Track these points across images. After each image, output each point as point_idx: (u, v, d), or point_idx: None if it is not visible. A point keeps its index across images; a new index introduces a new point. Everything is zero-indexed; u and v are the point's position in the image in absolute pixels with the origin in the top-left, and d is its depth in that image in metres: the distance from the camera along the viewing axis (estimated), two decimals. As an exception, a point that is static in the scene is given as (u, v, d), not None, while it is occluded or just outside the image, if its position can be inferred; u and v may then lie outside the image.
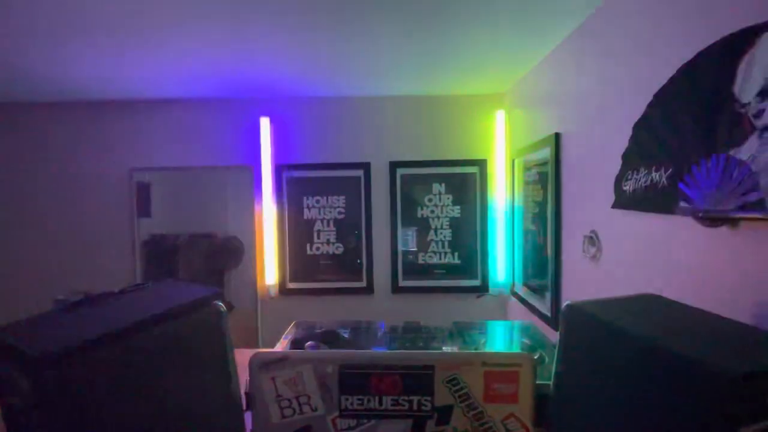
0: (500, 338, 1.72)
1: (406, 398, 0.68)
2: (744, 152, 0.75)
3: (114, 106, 2.51)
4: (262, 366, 0.69)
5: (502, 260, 2.47)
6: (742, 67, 0.77)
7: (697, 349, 0.57)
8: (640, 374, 0.61)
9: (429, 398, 0.68)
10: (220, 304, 0.79)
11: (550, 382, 0.77)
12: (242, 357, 0.79)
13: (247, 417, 0.78)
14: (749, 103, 0.75)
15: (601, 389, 0.68)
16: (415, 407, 0.69)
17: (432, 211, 2.52)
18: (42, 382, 0.59)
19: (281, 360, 0.68)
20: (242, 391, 0.81)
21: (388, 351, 1.27)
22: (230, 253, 2.56)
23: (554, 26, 1.54)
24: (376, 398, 0.68)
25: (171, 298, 0.75)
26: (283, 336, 1.53)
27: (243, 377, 0.80)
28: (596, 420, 0.68)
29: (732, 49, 0.79)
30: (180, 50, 1.72)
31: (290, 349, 1.29)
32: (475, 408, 0.69)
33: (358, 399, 0.69)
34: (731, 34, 0.79)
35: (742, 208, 0.75)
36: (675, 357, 0.56)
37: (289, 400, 0.69)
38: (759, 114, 0.73)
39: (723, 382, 0.50)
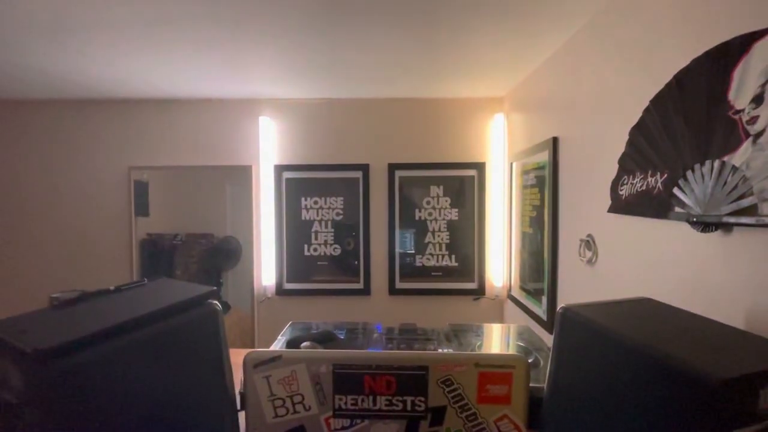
0: (496, 341, 1.72)
1: (399, 398, 0.68)
2: (738, 158, 0.76)
3: (113, 104, 2.51)
4: (255, 365, 0.69)
5: (499, 263, 2.47)
6: (736, 73, 0.78)
7: (687, 352, 0.57)
8: (631, 378, 0.62)
9: (423, 399, 0.69)
10: (216, 302, 0.79)
11: (544, 386, 0.77)
12: (239, 357, 0.79)
13: (242, 416, 0.78)
14: (743, 110, 0.76)
15: (593, 392, 0.68)
16: (408, 408, 0.69)
17: (430, 214, 2.53)
18: (35, 378, 0.58)
19: (275, 359, 0.68)
20: (237, 391, 0.81)
21: (383, 351, 1.27)
22: (228, 253, 2.55)
23: (553, 31, 1.55)
24: (370, 398, 0.69)
25: (166, 295, 0.75)
26: (279, 336, 1.53)
27: (239, 377, 0.80)
28: (589, 423, 0.68)
29: (727, 56, 0.80)
30: (180, 50, 1.73)
31: (285, 349, 1.29)
32: (468, 409, 0.69)
33: (352, 399, 0.69)
34: (726, 42, 0.80)
35: (735, 213, 0.76)
36: (666, 361, 0.56)
37: (282, 399, 0.69)
38: (753, 120, 0.74)
39: (713, 385, 0.51)
